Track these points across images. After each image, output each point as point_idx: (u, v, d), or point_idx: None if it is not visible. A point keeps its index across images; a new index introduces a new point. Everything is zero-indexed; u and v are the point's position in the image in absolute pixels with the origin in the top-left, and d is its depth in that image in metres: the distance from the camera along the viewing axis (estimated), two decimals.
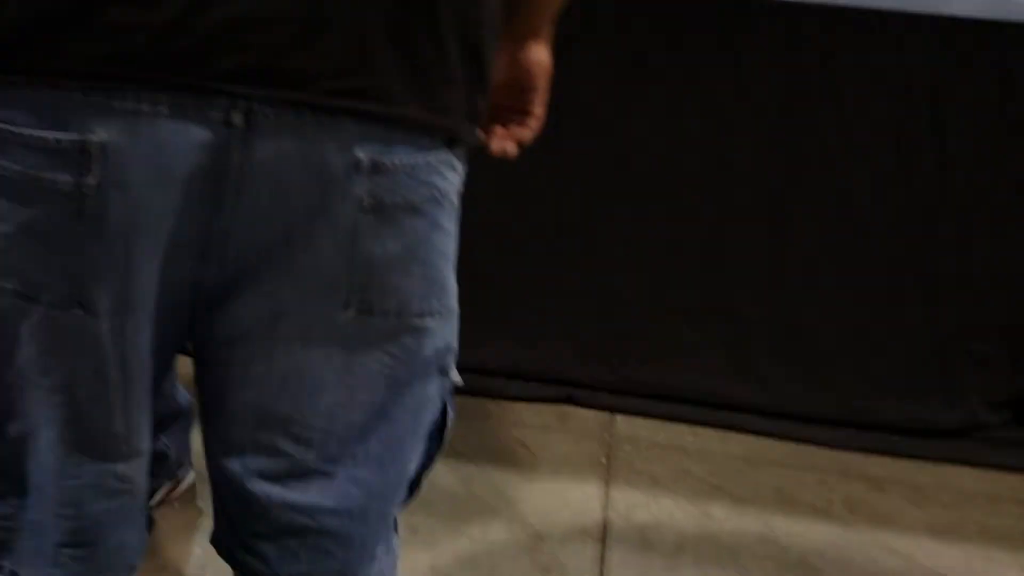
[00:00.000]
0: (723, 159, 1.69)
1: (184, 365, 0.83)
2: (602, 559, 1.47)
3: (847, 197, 1.68)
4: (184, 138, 0.60)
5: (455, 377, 0.78)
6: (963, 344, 1.71)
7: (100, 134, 0.59)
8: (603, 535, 1.52)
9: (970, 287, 1.69)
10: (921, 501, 1.62)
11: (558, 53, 0.89)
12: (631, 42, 1.66)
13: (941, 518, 1.59)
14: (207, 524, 0.86)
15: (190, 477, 1.50)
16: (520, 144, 0.88)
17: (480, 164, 0.76)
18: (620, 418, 1.79)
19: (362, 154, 0.62)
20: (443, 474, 1.59)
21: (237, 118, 0.60)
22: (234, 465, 0.74)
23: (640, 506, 1.59)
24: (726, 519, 1.57)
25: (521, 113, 0.89)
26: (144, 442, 0.75)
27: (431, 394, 0.75)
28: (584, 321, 1.81)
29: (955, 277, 1.69)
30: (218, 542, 0.82)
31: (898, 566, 1.49)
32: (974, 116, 1.60)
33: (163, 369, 0.75)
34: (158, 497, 1.43)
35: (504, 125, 0.88)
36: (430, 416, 0.77)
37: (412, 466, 0.79)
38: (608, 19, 1.62)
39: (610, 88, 1.68)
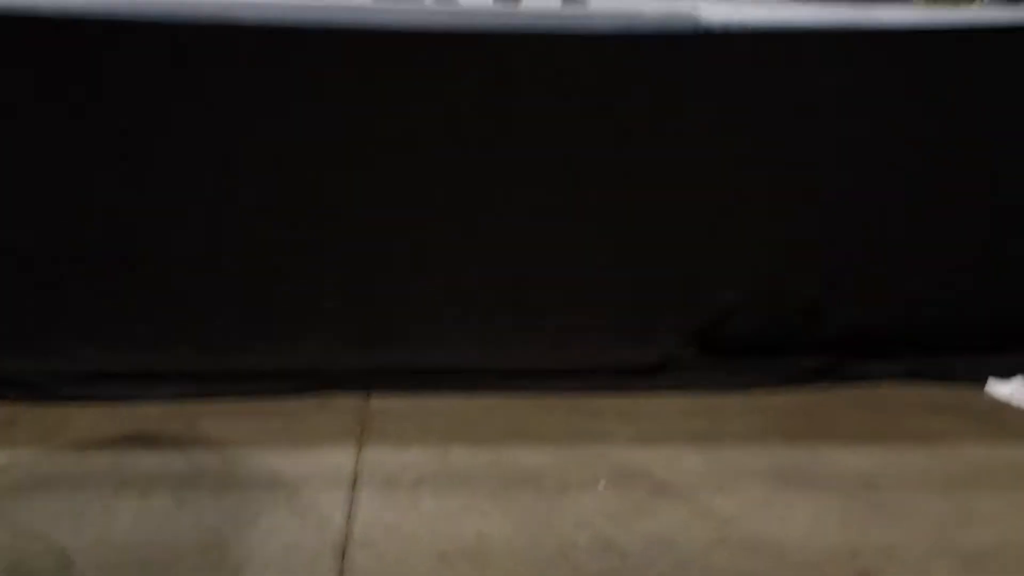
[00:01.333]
0: (433, 158, 1.97)
1: None
2: (351, 500, 1.65)
3: (559, 169, 1.99)
4: None
5: None
6: (654, 295, 2.04)
7: None
8: (353, 482, 1.71)
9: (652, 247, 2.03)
10: (629, 421, 1.90)
11: None
12: None
13: (645, 432, 1.87)
14: None
15: None
16: None
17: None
18: (375, 398, 2.01)
19: None
20: (207, 457, 1.77)
21: None
22: None
23: (388, 459, 1.79)
24: (462, 457, 1.80)
25: None
26: None
27: None
28: (336, 319, 2.03)
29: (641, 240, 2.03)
30: None
31: (611, 469, 1.75)
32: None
33: None
34: None
35: None
36: None
37: None
38: None
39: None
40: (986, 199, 2.08)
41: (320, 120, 1.92)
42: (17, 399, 1.93)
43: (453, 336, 2.04)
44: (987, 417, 2.01)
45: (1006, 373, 2.14)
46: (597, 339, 2.04)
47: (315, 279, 2.01)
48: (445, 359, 2.03)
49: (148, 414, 1.93)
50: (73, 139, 1.88)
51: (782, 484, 1.70)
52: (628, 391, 1.99)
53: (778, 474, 1.73)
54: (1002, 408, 2.07)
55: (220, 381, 1.99)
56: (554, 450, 1.81)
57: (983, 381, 2.14)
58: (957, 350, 2.14)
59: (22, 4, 1.79)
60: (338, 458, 1.79)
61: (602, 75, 1.95)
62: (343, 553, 1.48)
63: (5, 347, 1.95)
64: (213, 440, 1.85)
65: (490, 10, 1.99)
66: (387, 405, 1.99)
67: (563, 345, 2.03)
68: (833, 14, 1.99)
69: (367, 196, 1.97)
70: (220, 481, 1.70)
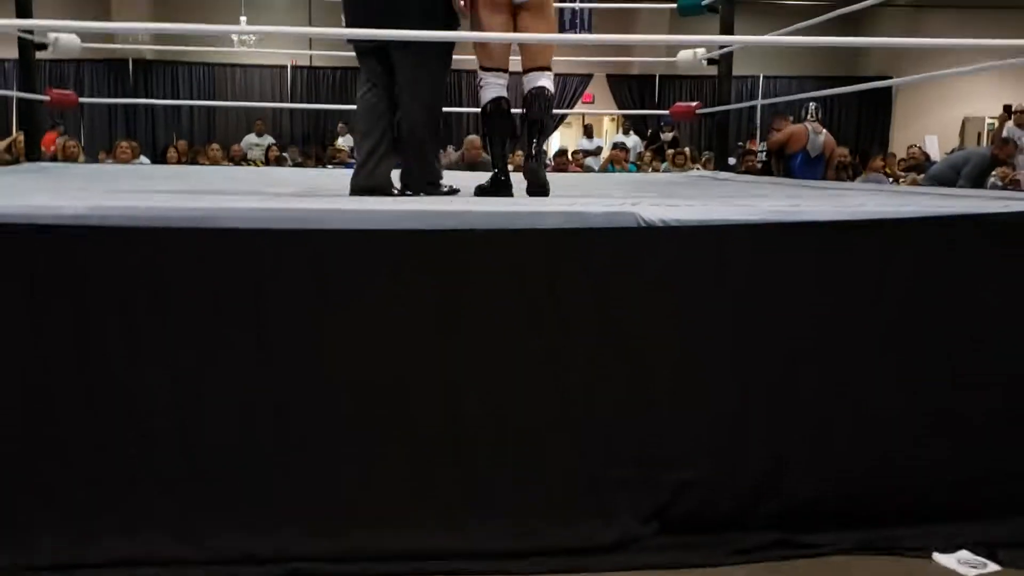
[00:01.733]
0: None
1: None
2: None
3: (512, 355, 2.12)
4: None
5: None
6: (610, 472, 2.13)
7: None
8: None
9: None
10: None
11: None
12: None
13: None
14: None
15: None
16: None
17: None
18: None
19: None
20: None
21: None
22: None
23: None
24: None
25: None
26: None
27: None
28: (304, 502, 2.09)
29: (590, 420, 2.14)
30: None
31: None
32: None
33: None
34: None
35: None
36: None
37: None
38: None
39: None
40: (929, 374, 2.22)
41: (281, 325, 2.05)
42: None
43: (416, 518, 2.09)
44: None
45: (951, 544, 2.21)
46: (551, 518, 2.10)
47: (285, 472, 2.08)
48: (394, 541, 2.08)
49: None
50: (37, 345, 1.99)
51: None
52: (584, 571, 2.03)
53: None
54: None
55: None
56: None
57: (929, 552, 2.20)
58: (904, 521, 2.23)
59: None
60: None
61: (550, 266, 2.11)
62: None
63: None
64: None
65: (445, 210, 2.16)
66: None
67: (517, 524, 2.08)
68: (762, 211, 2.20)
69: (327, 392, 2.08)
70: None
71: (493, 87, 3.16)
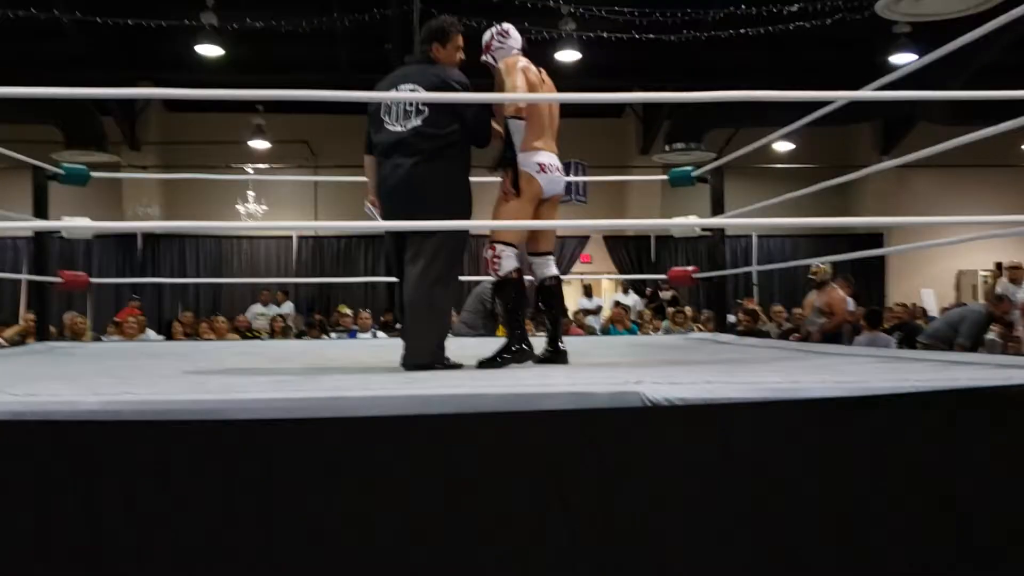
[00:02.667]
0: None
1: None
2: None
3: (515, 536, 2.09)
4: None
5: None
6: None
7: None
8: None
9: None
10: None
11: None
12: None
13: None
14: None
15: None
16: None
17: None
18: None
19: None
20: None
21: None
22: None
23: None
24: None
25: None
26: None
27: None
28: None
29: None
30: None
31: None
32: None
33: None
34: None
35: None
36: None
37: None
38: None
39: None
40: (934, 544, 2.19)
41: (288, 514, 2.04)
42: None
43: None
44: None
45: None
46: None
47: None
48: None
49: None
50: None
51: None
52: None
53: None
54: None
55: None
56: None
57: None
58: None
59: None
60: None
61: (556, 448, 2.12)
62: None
63: None
64: None
65: (452, 394, 2.19)
66: None
67: None
68: (763, 389, 2.22)
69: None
70: None
71: (512, 258, 3.37)
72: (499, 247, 3.42)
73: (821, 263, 8.37)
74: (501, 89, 3.49)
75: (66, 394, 2.16)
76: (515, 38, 3.68)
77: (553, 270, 3.69)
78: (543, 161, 3.51)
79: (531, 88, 3.51)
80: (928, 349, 7.46)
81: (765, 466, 2.15)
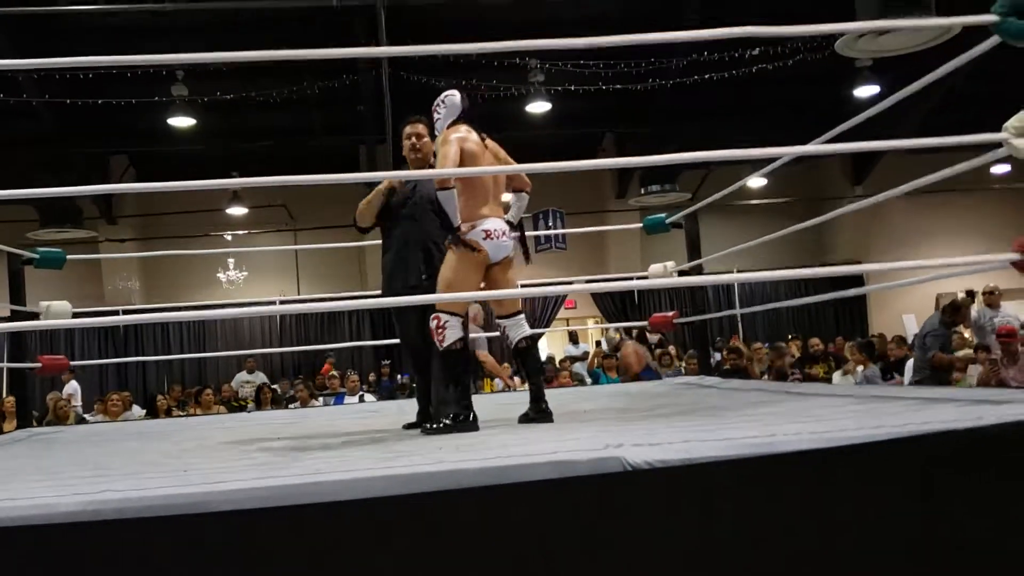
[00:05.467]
0: None
1: None
2: None
3: None
4: None
5: None
6: None
7: None
8: None
9: None
10: None
11: None
12: None
13: None
14: None
15: None
16: None
17: None
18: None
19: None
20: None
21: None
22: None
23: None
24: None
25: None
26: None
27: None
28: None
29: None
30: None
31: None
32: None
33: None
34: None
35: None
36: None
37: None
38: None
39: None
40: None
41: None
42: None
43: None
44: None
45: None
46: None
47: None
48: None
49: None
50: None
51: None
52: None
53: None
54: None
55: None
56: None
57: None
58: None
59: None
60: None
61: (538, 518, 2.13)
62: None
63: None
64: None
65: (434, 471, 2.19)
66: None
67: None
68: (741, 445, 2.24)
69: None
70: None
71: (457, 328, 3.44)
72: (443, 316, 3.47)
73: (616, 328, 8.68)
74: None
75: (46, 495, 2.14)
76: (453, 105, 3.71)
77: (525, 330, 3.72)
78: (489, 228, 3.59)
79: (471, 156, 3.57)
80: (919, 382, 7.52)
81: (746, 522, 2.16)
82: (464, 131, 3.63)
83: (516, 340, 3.70)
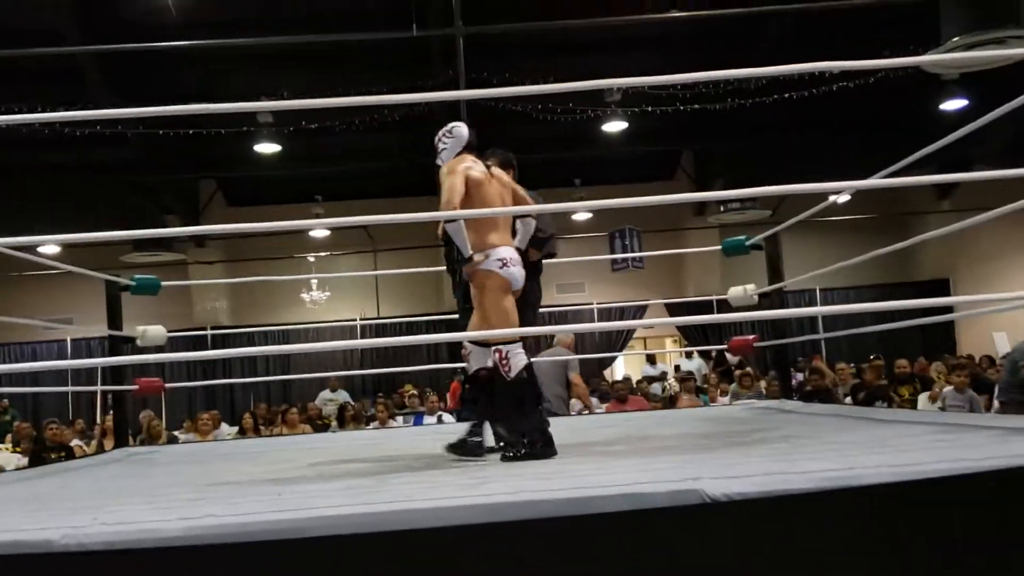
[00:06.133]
0: None
1: None
2: None
3: None
4: None
5: None
6: None
7: None
8: None
9: None
10: None
11: None
12: None
13: None
14: None
15: None
16: None
17: None
18: None
19: None
20: None
21: None
22: None
23: None
24: None
25: None
26: None
27: None
28: None
29: None
30: None
31: None
32: None
33: None
34: None
35: None
36: None
37: None
38: None
39: None
40: None
41: None
42: None
43: None
44: None
45: None
46: None
47: None
48: None
49: None
50: None
51: None
52: None
53: None
54: None
55: None
56: None
57: None
58: None
59: None
60: None
61: (614, 550, 2.18)
62: None
63: None
64: None
65: (508, 502, 2.26)
66: None
67: None
68: (820, 479, 2.26)
69: None
70: None
71: (520, 355, 3.57)
72: (504, 348, 3.54)
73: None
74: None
75: (152, 519, 2.28)
76: (460, 137, 3.78)
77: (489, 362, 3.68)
78: (503, 256, 3.64)
79: (477, 184, 3.64)
80: (1005, 407, 7.26)
81: (824, 556, 2.17)
82: (470, 161, 3.71)
83: (479, 368, 3.72)
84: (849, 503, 2.20)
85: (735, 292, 6.09)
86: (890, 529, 2.19)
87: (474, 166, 3.70)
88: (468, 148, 3.78)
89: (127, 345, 5.85)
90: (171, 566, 2.13)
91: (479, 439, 3.66)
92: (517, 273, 3.66)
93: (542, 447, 3.47)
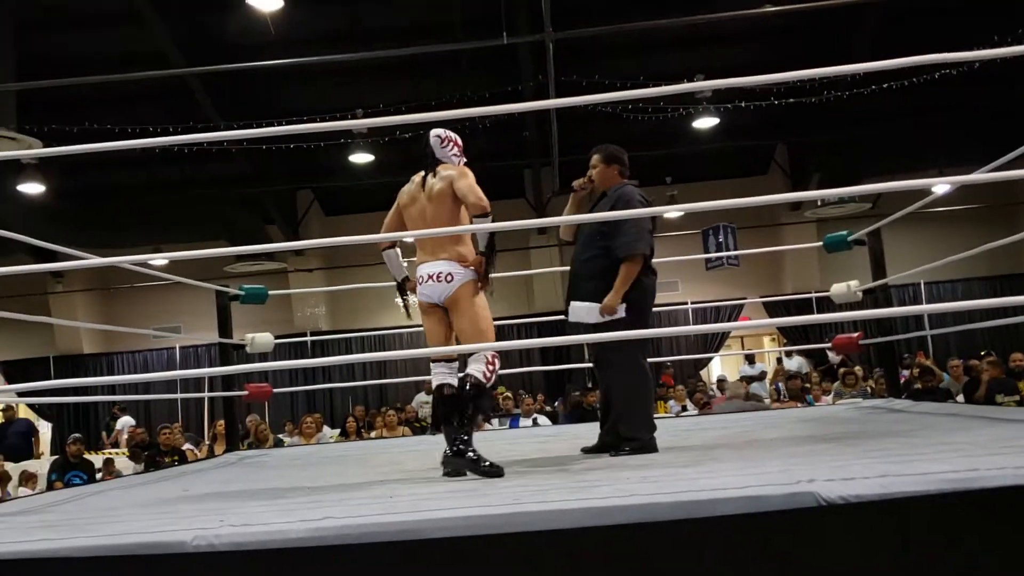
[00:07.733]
0: None
1: None
2: None
3: None
4: None
5: None
6: None
7: None
8: None
9: None
10: None
11: None
12: None
13: None
14: None
15: None
16: None
17: None
18: None
19: None
20: None
21: None
22: None
23: None
24: None
25: None
26: None
27: None
28: None
29: None
30: None
31: None
32: None
33: None
34: None
35: None
36: None
37: None
38: None
39: None
40: None
41: None
42: None
43: None
44: None
45: None
46: None
47: None
48: None
49: None
50: None
51: None
52: None
53: None
54: None
55: None
56: None
57: None
58: None
59: None
60: None
61: (732, 551, 2.17)
62: None
63: None
64: None
65: (627, 505, 2.27)
66: None
67: None
68: (941, 480, 2.20)
69: None
70: None
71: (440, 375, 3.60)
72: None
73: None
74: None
75: (276, 521, 2.36)
76: (460, 147, 3.92)
77: (467, 369, 3.60)
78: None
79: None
80: None
81: (943, 560, 2.12)
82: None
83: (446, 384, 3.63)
84: (973, 506, 2.14)
85: (838, 289, 5.96)
86: (1019, 533, 2.12)
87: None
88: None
89: (236, 352, 6.06)
90: (293, 566, 2.21)
91: (473, 455, 3.40)
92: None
93: (645, 446, 3.59)
